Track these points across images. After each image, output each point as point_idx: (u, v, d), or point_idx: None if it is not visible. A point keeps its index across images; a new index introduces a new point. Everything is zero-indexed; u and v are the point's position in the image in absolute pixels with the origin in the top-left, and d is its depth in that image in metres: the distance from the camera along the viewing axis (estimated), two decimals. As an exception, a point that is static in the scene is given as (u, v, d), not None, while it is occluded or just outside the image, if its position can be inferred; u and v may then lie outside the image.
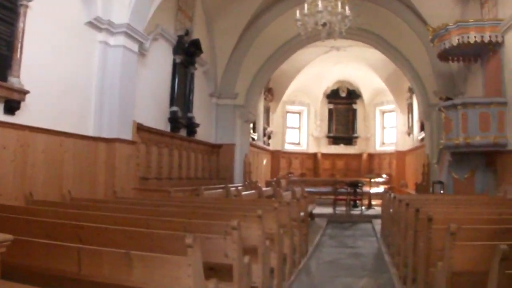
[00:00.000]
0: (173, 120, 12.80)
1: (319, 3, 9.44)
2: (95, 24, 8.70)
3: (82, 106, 8.52)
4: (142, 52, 10.56)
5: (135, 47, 9.57)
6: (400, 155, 24.52)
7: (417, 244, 5.60)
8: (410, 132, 22.94)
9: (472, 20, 11.19)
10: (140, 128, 10.42)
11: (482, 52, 12.09)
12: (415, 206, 6.67)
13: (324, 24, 9.75)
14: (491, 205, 7.69)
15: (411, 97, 22.29)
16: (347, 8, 9.95)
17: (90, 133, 8.66)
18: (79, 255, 3.24)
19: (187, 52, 13.57)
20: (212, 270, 4.59)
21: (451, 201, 8.75)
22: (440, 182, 13.24)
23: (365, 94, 27.74)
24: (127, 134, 9.35)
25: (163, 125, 12.41)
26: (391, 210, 9.42)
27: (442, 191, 12.96)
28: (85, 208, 5.99)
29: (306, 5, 9.88)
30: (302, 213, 8.56)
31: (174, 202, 7.62)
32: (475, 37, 10.90)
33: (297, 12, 10.13)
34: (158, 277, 3.02)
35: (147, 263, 3.05)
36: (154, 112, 11.84)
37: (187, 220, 4.85)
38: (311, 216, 13.62)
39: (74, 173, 8.12)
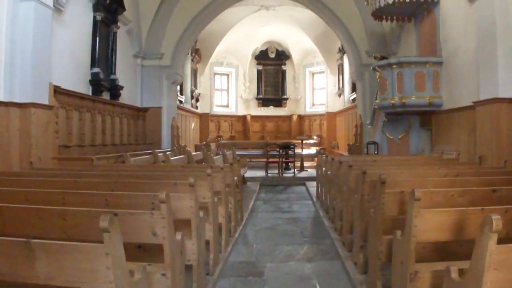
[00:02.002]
0: (95, 82, 11.81)
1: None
2: (2, -27, 7.63)
3: (-11, 68, 7.50)
4: (58, 8, 9.56)
5: (49, 1, 8.44)
6: (330, 116, 24.47)
7: (364, 208, 5.18)
8: (340, 93, 22.83)
9: (408, -23, 10.85)
10: (58, 92, 9.49)
11: (417, 12, 11.89)
12: (358, 168, 6.31)
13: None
14: (433, 166, 7.47)
15: (341, 58, 22.16)
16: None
17: (1, 98, 7.66)
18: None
19: (108, 9, 12.50)
20: (140, 249, 4.00)
21: (390, 162, 8.48)
22: (374, 143, 13.09)
23: (295, 55, 27.36)
24: (44, 98, 8.36)
25: (84, 88, 11.40)
26: (328, 172, 9.04)
27: (376, 152, 12.82)
28: (-7, 183, 5.16)
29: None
30: (235, 178, 8.01)
31: (97, 171, 6.87)
32: (411, -6, 10.62)
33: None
34: (69, 270, 2.35)
35: (53, 254, 2.36)
36: (74, 74, 10.82)
37: (110, 193, 4.19)
38: (243, 180, 13.16)
39: (-17, 144, 7.19)
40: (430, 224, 3.38)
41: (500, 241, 2.45)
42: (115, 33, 13.22)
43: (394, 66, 10.81)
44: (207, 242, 5.17)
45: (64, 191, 4.39)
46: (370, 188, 5.11)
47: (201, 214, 4.56)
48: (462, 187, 4.75)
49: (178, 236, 3.67)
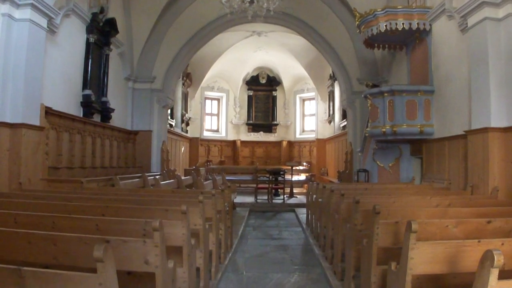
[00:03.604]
0: (86, 104, 11.75)
1: (247, -22, 8.78)
2: (-3, -6, 7.61)
3: (-19, 87, 7.45)
4: (51, 29, 9.52)
5: (43, 22, 8.49)
6: (320, 143, 24.50)
7: (357, 238, 5.13)
8: (331, 120, 22.89)
9: (400, 7, 10.99)
10: (49, 113, 9.42)
11: (408, 40, 12.00)
12: (350, 196, 6.27)
13: (251, 1, 9.07)
14: (424, 195, 7.43)
15: (332, 85, 22.28)
16: (276, -15, 9.33)
17: (-9, 117, 7.61)
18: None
19: (101, 32, 12.54)
20: (130, 275, 3.91)
21: (382, 191, 8.47)
22: (365, 170, 13.08)
23: (286, 81, 27.49)
24: (35, 119, 8.32)
25: (75, 110, 11.33)
26: (319, 200, 8.99)
27: (366, 180, 12.81)
28: (-20, 204, 5.08)
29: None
30: (226, 204, 7.94)
31: (87, 194, 6.80)
32: (403, 24, 10.72)
33: (223, -13, 9.39)
34: (60, 301, 2.27)
35: (44, 282, 2.28)
36: (65, 96, 10.77)
37: (100, 218, 4.11)
38: (233, 205, 13.07)
39: (-28, 163, 7.09)
40: (427, 256, 3.34)
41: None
42: (107, 56, 13.20)
43: (386, 94, 10.86)
44: (198, 269, 5.09)
45: (54, 214, 4.32)
46: (363, 217, 5.07)
47: (193, 241, 4.49)
48: (456, 217, 4.73)
49: (170, 264, 3.60)
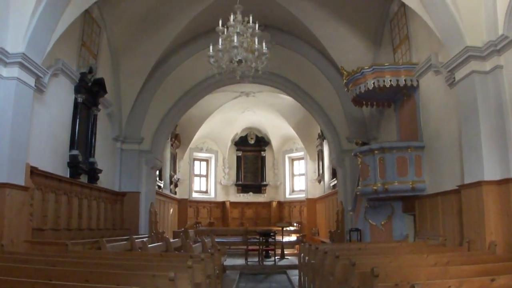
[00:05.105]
0: (73, 165, 11.55)
1: (235, 38, 8.76)
2: (-15, 52, 7.62)
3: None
4: (39, 88, 9.43)
5: (31, 81, 8.49)
6: (310, 203, 24.31)
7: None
8: (320, 179, 22.79)
9: (387, 64, 11.08)
10: (35, 173, 9.22)
11: (396, 97, 12.06)
12: (345, 257, 6.08)
13: (240, 61, 9.05)
14: (420, 253, 7.24)
15: (321, 144, 22.31)
16: (264, 44, 9.32)
17: (-25, 177, 7.45)
18: None
19: (90, 92, 12.48)
20: None
21: (376, 250, 8.26)
22: (357, 229, 12.87)
23: (274, 141, 27.58)
24: (19, 178, 8.15)
25: (62, 170, 11.13)
26: (312, 261, 8.73)
27: (359, 239, 12.60)
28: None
29: (220, 40, 9.11)
30: (216, 268, 7.66)
31: (71, 258, 6.52)
32: (390, 81, 10.75)
33: (210, 47, 9.33)
34: None
35: None
36: (52, 156, 10.60)
37: (84, 285, 3.88)
38: (223, 268, 12.73)
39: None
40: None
41: None
42: (95, 116, 13.09)
43: (376, 151, 10.81)
44: None
45: (35, 280, 4.08)
46: (360, 280, 4.86)
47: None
48: (457, 277, 4.54)
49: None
